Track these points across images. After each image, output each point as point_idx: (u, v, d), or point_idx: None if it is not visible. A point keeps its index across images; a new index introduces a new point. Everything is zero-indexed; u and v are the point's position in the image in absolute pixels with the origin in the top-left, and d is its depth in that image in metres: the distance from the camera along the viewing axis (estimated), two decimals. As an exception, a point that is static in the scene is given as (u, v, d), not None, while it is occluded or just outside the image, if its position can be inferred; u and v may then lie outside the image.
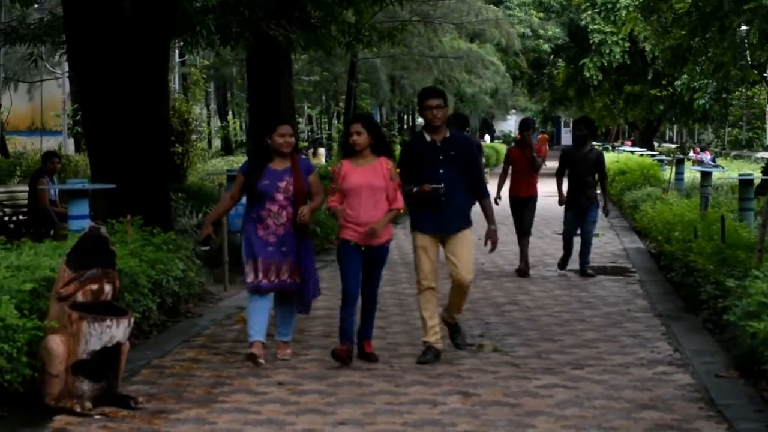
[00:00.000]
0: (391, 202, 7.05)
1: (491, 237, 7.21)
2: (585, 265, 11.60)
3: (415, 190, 7.04)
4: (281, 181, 6.97)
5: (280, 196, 6.95)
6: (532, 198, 11.85)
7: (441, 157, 7.07)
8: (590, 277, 11.34)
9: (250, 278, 7.02)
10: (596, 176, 11.72)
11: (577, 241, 11.77)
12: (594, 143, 14.25)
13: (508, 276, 11.61)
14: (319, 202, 7.25)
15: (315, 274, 7.14)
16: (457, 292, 7.26)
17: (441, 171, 7.03)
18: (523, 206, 11.78)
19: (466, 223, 7.18)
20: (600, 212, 11.86)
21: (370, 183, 6.96)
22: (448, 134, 7.15)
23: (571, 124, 77.69)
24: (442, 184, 6.98)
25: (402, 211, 7.17)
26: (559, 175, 12.12)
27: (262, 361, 6.95)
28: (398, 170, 7.13)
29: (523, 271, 11.60)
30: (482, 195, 7.28)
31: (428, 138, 7.15)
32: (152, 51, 10.35)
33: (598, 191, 11.86)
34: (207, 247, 6.32)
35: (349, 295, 7.03)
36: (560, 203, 11.90)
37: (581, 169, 11.57)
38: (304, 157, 7.14)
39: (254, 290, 7.02)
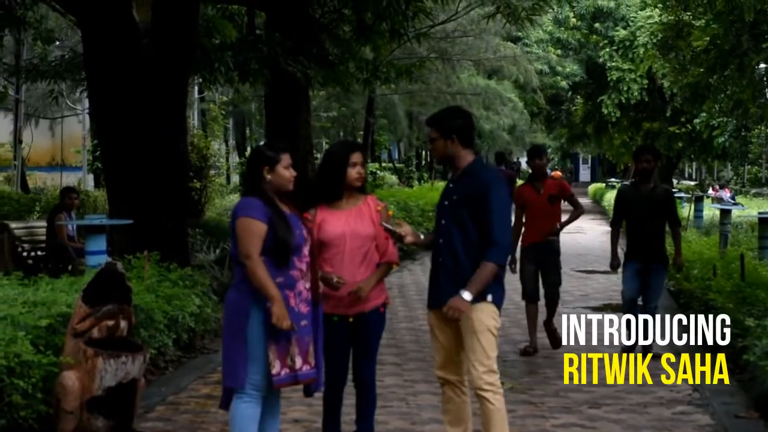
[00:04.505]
0: (383, 254, 5.39)
1: (457, 306, 4.88)
2: (649, 347, 8.30)
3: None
4: (301, 230, 5.02)
5: (306, 251, 4.97)
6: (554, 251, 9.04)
7: (446, 203, 5.15)
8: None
9: (276, 368, 4.81)
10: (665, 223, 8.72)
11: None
12: (612, 179, 13.92)
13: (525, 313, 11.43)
14: None
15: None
16: (482, 408, 5.02)
17: (443, 221, 5.14)
18: (543, 256, 8.97)
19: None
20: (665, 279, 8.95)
21: (355, 231, 5.30)
22: (461, 170, 5.14)
23: (589, 161, 77.74)
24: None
25: (397, 265, 5.55)
26: (615, 226, 8.90)
27: None
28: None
29: (534, 349, 8.97)
30: (487, 253, 4.92)
31: (450, 174, 5.35)
32: (171, 87, 10.46)
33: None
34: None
35: (335, 380, 5.46)
36: (612, 267, 8.92)
37: (645, 213, 8.53)
38: None
39: (280, 385, 4.88)
